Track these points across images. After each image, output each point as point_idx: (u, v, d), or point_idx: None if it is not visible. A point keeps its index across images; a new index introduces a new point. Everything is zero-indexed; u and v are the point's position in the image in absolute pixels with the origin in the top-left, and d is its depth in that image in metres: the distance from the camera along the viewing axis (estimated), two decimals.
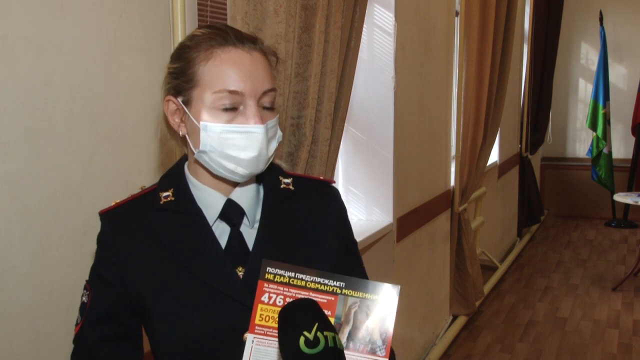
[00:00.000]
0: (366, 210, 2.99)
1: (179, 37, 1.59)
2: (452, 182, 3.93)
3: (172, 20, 1.60)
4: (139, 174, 1.56)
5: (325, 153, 2.00)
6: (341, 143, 2.25)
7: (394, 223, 3.01)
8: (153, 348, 1.13)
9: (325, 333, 0.86)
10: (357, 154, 2.95)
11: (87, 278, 1.15)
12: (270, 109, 1.08)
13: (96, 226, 1.44)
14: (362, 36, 2.42)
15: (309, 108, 1.86)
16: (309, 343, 0.85)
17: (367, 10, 2.25)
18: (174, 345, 1.07)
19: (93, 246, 1.43)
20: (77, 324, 1.14)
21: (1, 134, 1.23)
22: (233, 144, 1.04)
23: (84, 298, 1.14)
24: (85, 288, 1.14)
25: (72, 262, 1.40)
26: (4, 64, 1.22)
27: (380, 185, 2.95)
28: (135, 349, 1.15)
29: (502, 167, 5.54)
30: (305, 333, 0.85)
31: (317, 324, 0.87)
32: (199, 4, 1.77)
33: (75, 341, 1.15)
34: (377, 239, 2.86)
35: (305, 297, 0.98)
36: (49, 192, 1.34)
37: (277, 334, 0.96)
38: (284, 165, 1.25)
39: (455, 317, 4.09)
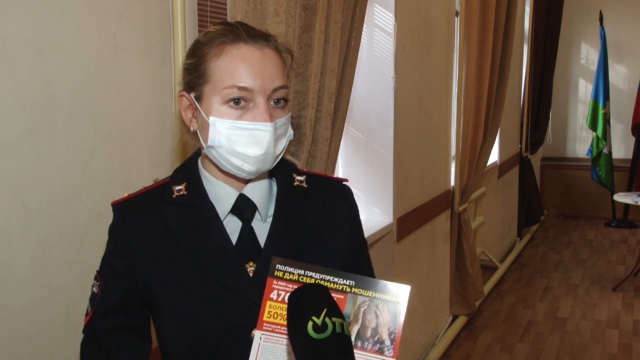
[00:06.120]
0: (366, 210, 2.99)
1: (179, 37, 1.59)
2: (452, 182, 3.93)
3: (172, 20, 1.60)
4: (139, 174, 1.56)
5: (325, 153, 2.00)
6: (341, 143, 2.25)
7: (394, 223, 3.01)
8: (160, 342, 1.13)
9: (334, 319, 0.86)
10: (357, 154, 2.95)
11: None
12: (282, 106, 1.08)
13: (96, 226, 1.44)
14: (362, 36, 2.42)
15: (309, 108, 1.86)
16: (317, 328, 0.85)
17: (367, 10, 2.25)
18: (180, 339, 1.07)
19: (93, 246, 1.43)
20: (87, 314, 1.15)
21: (1, 134, 1.23)
22: (240, 140, 1.04)
23: (94, 288, 1.14)
24: (95, 278, 1.15)
25: (72, 262, 1.40)
26: (4, 64, 1.22)
27: (380, 185, 2.95)
28: (144, 341, 1.16)
29: (502, 167, 5.53)
30: (314, 318, 0.85)
31: (325, 310, 0.87)
32: (199, 4, 1.77)
33: (85, 331, 1.16)
34: (377, 239, 2.86)
35: (316, 282, 0.98)
36: (49, 192, 1.34)
37: (285, 332, 0.96)
38: (297, 162, 1.25)
39: (455, 317, 4.09)
